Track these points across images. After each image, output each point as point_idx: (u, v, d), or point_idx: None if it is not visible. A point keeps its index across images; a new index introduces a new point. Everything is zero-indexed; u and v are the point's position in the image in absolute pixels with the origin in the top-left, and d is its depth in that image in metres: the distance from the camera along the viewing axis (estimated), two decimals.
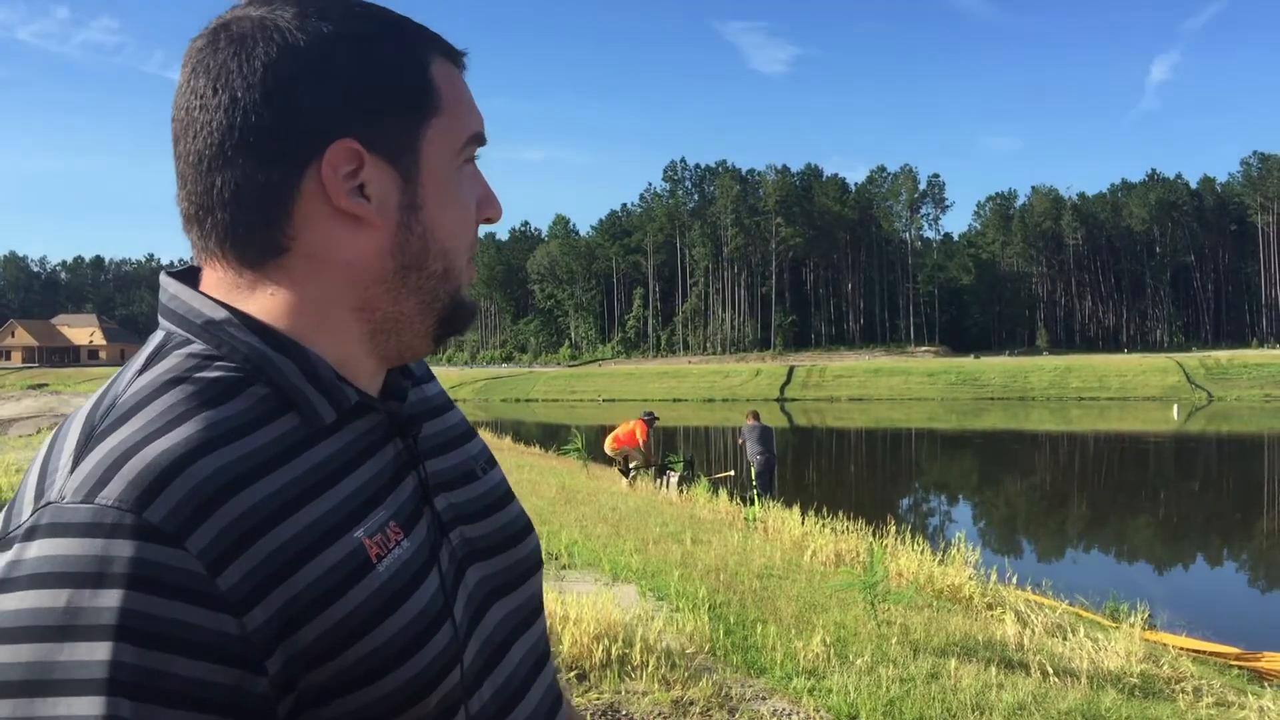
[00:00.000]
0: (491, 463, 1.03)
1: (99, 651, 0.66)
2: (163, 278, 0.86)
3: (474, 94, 0.92)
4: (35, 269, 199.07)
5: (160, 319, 0.85)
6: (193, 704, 0.68)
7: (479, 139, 0.89)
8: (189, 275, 0.87)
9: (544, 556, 8.58)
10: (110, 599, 0.67)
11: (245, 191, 0.80)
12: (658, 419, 20.25)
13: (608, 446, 18.91)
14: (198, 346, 0.81)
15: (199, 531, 0.70)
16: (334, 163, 0.81)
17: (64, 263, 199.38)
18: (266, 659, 0.71)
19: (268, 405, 0.80)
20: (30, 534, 0.70)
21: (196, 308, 0.82)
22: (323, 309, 0.84)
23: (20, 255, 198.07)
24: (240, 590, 0.71)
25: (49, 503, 0.71)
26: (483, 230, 0.94)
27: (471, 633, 0.86)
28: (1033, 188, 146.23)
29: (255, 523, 0.73)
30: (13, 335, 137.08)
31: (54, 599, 0.67)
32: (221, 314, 0.82)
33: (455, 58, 0.89)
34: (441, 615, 0.82)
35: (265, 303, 0.83)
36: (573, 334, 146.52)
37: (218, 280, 0.84)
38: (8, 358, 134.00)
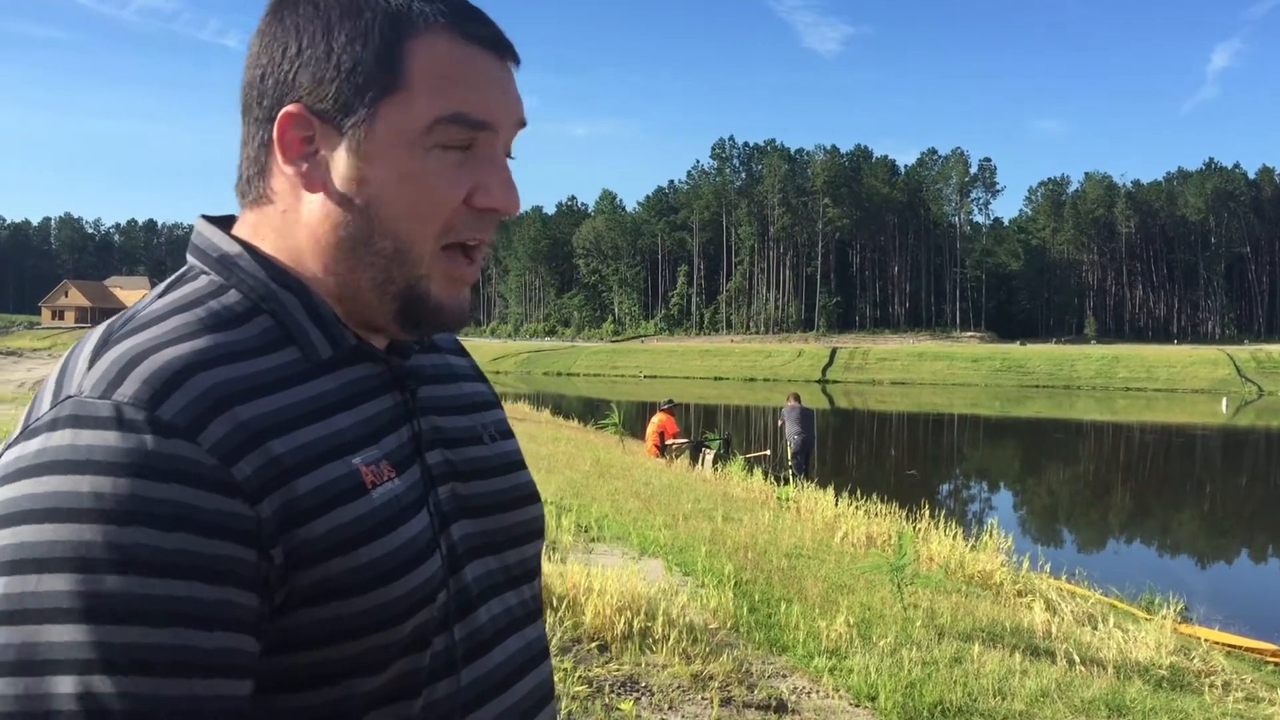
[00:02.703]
0: (506, 434, 1.06)
1: (124, 535, 0.71)
2: (197, 219, 0.94)
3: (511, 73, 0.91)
4: (90, 231, 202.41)
5: (187, 254, 0.92)
6: (217, 579, 0.74)
7: (463, 120, 0.86)
8: (228, 221, 0.94)
9: (574, 529, 8.51)
10: (132, 487, 0.72)
11: (246, 147, 0.90)
12: (673, 401, 20.69)
13: (652, 447, 18.79)
14: (212, 277, 0.88)
15: (209, 429, 0.76)
16: (284, 126, 0.86)
17: (117, 225, 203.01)
18: (272, 548, 0.77)
19: (271, 336, 0.85)
20: (53, 425, 0.75)
21: (215, 243, 0.90)
22: (302, 260, 0.89)
23: (75, 217, 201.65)
24: (252, 482, 0.76)
25: (69, 396, 0.77)
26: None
27: (447, 580, 0.90)
28: (1086, 174, 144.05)
29: (259, 429, 0.78)
30: (66, 295, 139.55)
31: (75, 484, 0.72)
32: (235, 249, 0.89)
33: (470, 34, 0.87)
34: (428, 550, 0.87)
35: (267, 245, 0.90)
36: (616, 309, 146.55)
37: (240, 222, 0.92)
38: (61, 317, 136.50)
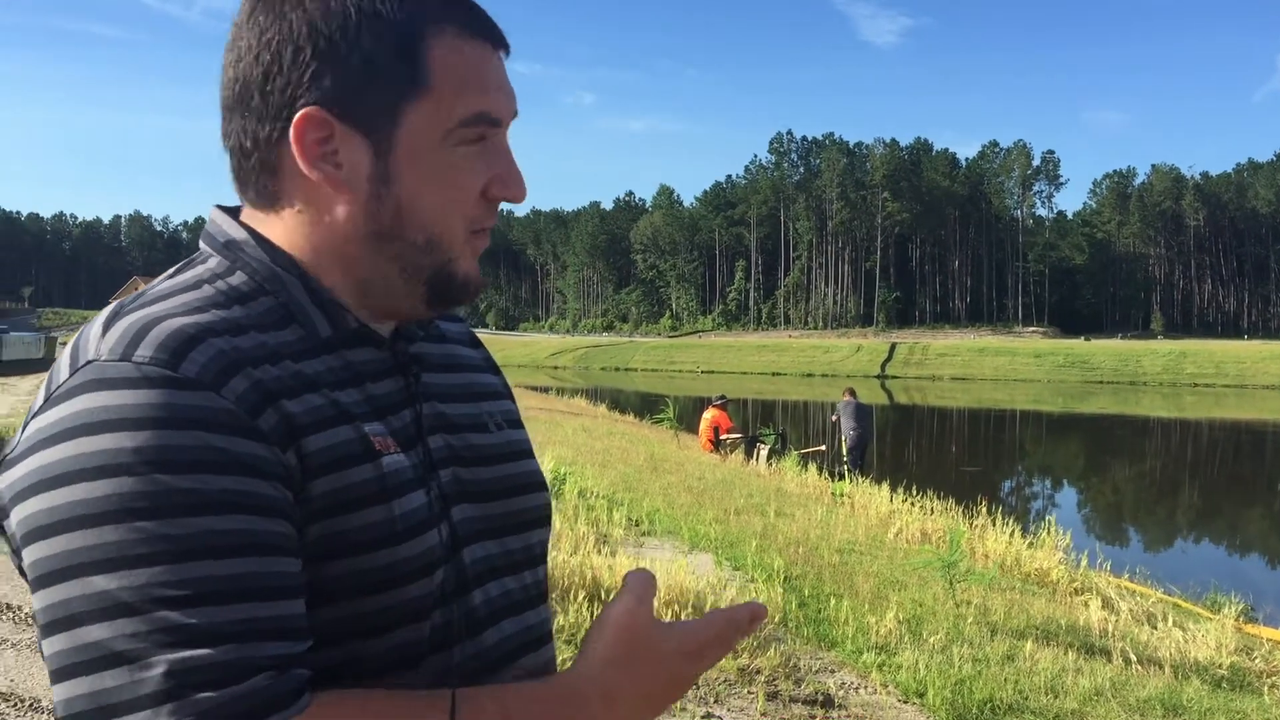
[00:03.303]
0: (514, 424, 1.08)
1: (171, 483, 0.74)
2: (212, 208, 0.96)
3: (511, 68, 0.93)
4: (159, 228, 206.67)
5: (200, 240, 0.95)
6: (268, 512, 0.78)
7: (484, 119, 0.89)
8: (240, 211, 0.96)
9: (625, 522, 8.51)
10: (169, 438, 0.75)
11: (244, 142, 0.89)
12: (725, 397, 20.19)
13: (706, 442, 18.55)
14: (220, 259, 0.91)
15: (231, 384, 0.79)
16: (301, 128, 0.86)
17: (185, 223, 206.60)
18: (298, 494, 0.81)
19: (275, 315, 0.88)
20: (77, 390, 0.78)
21: (223, 229, 0.93)
22: (315, 254, 0.91)
23: (145, 215, 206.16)
24: (276, 433, 0.80)
25: (88, 362, 0.79)
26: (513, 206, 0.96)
27: (449, 558, 0.91)
28: (1153, 166, 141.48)
29: (272, 390, 0.81)
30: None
31: (115, 441, 0.75)
32: (242, 235, 0.91)
33: (478, 32, 0.90)
34: (429, 524, 0.89)
35: (274, 235, 0.92)
36: (674, 305, 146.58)
37: (245, 213, 0.94)
38: None
